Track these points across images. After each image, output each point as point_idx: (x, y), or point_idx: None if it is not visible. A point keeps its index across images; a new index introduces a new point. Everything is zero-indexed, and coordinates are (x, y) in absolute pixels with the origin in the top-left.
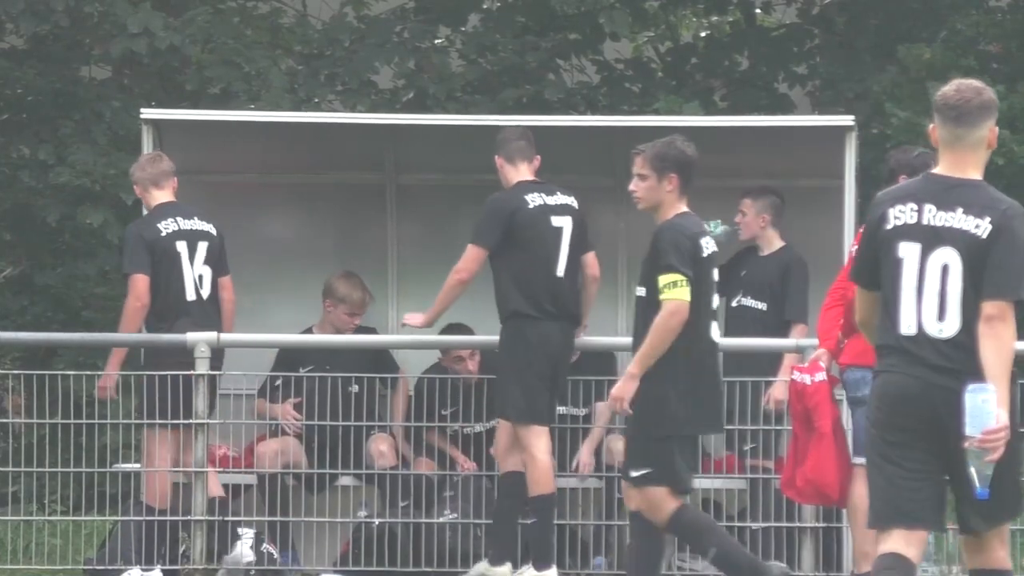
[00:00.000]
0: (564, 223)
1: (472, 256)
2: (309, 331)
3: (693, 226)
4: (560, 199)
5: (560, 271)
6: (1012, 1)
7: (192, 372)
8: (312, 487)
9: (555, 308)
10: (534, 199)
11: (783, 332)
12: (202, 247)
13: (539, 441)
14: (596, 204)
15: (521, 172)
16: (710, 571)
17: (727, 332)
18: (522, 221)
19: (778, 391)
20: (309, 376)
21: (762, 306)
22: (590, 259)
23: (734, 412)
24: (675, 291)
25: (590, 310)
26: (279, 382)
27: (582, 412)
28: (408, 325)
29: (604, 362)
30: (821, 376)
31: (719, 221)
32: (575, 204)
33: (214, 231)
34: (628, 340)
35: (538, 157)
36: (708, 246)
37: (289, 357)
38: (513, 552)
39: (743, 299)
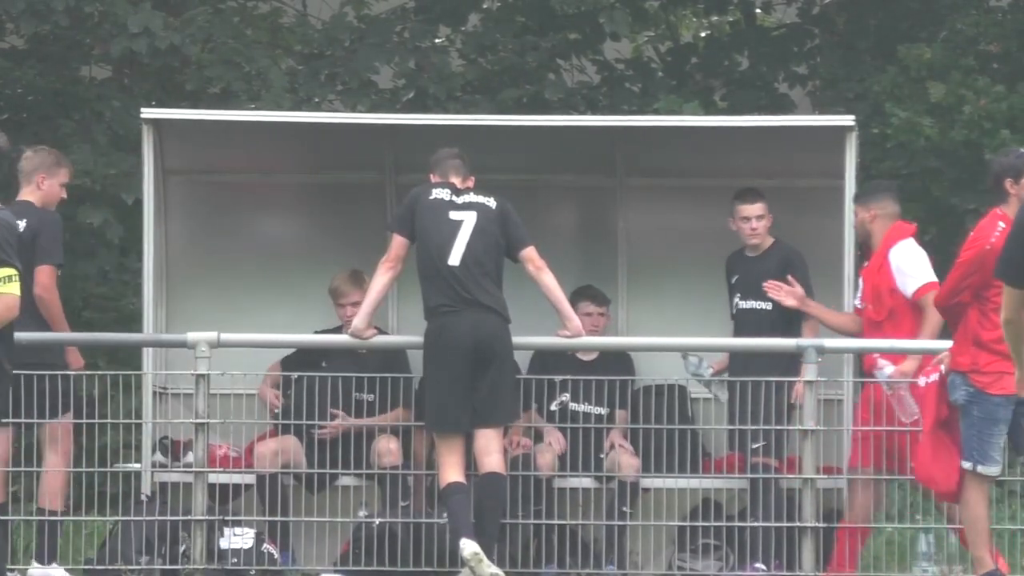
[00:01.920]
0: (465, 217)
1: (392, 244)
2: (338, 330)
3: (9, 217)
4: (468, 198)
5: (453, 260)
6: (1012, 1)
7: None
8: (312, 487)
9: (453, 299)
10: (438, 193)
11: (793, 326)
12: None
13: (449, 457)
14: (596, 204)
15: (455, 183)
16: (710, 571)
17: (735, 336)
18: (420, 209)
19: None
20: (310, 376)
21: (767, 306)
22: (526, 255)
23: (735, 412)
24: (9, 286)
25: (564, 303)
26: (294, 377)
27: (604, 411)
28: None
29: (622, 362)
30: (933, 377)
31: (700, 362)
32: (490, 203)
33: (20, 227)
34: (634, 340)
35: (472, 178)
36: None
37: (308, 353)
38: (491, 550)
39: (742, 302)
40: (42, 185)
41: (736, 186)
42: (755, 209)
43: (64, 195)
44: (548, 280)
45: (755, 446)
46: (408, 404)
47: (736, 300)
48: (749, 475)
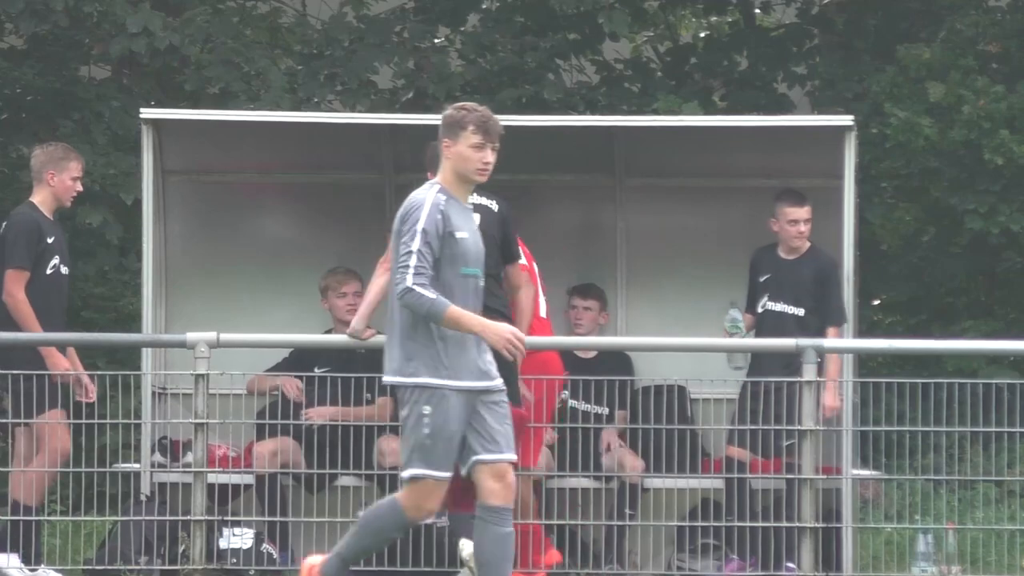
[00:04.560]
0: None
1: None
2: (329, 332)
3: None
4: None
5: None
6: (1011, 1)
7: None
8: (311, 487)
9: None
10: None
11: (823, 335)
12: None
13: None
14: (596, 204)
15: None
16: (710, 571)
17: (758, 335)
18: None
19: (829, 398)
20: (321, 377)
21: (800, 312)
22: (511, 270)
23: (758, 412)
24: None
25: (525, 320)
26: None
27: (604, 411)
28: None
29: (620, 362)
30: None
31: (737, 318)
32: (492, 206)
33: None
34: (634, 340)
35: None
36: None
37: (302, 356)
38: None
39: (772, 304)
40: (52, 182)
41: (735, 186)
42: (804, 212)
43: (78, 188)
44: (519, 299)
45: (788, 443)
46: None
47: (764, 300)
48: (747, 475)
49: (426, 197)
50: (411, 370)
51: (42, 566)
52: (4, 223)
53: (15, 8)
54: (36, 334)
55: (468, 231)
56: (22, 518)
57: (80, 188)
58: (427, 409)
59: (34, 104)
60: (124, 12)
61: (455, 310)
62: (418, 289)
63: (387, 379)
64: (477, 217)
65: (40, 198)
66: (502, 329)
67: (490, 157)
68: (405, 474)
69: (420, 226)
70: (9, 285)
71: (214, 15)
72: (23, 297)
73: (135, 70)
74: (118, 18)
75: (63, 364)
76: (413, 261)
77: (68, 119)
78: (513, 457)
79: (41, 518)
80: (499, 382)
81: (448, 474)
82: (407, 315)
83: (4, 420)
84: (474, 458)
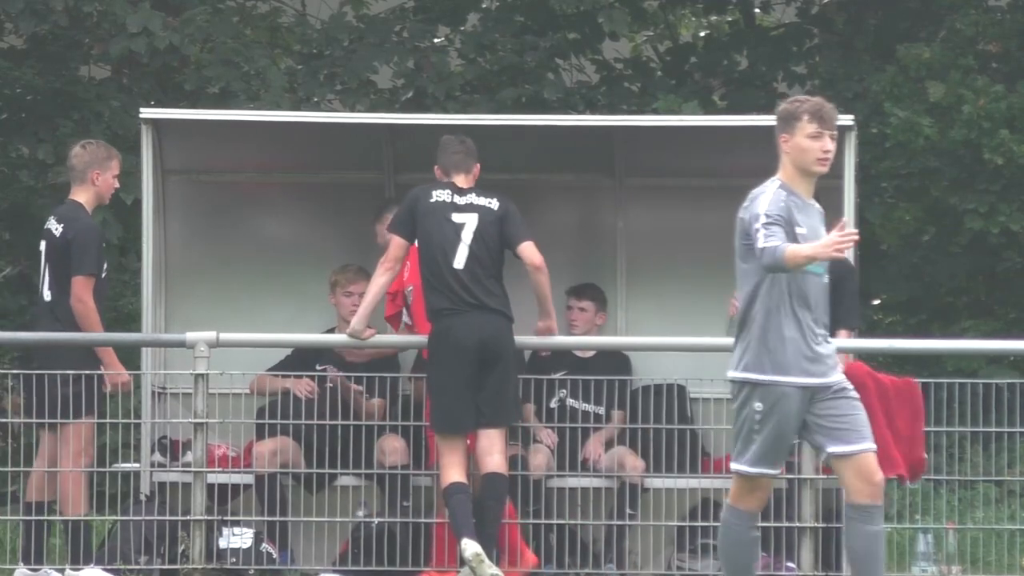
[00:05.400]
0: (467, 219)
1: (391, 245)
2: (331, 332)
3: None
4: (470, 199)
5: (458, 263)
6: (1011, 1)
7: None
8: (311, 487)
9: (456, 302)
10: (439, 195)
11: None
12: (43, 248)
13: (450, 457)
14: (595, 204)
15: (456, 182)
16: (709, 571)
17: None
18: (420, 211)
19: None
20: (321, 376)
21: None
22: (523, 250)
23: None
24: None
25: (548, 302)
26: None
27: (603, 411)
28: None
29: (618, 362)
30: None
31: None
32: (492, 205)
33: (58, 231)
34: (634, 340)
35: (477, 166)
36: None
37: (303, 355)
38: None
39: None
40: (96, 181)
41: (735, 186)
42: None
43: (117, 185)
44: (540, 280)
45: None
46: (388, 396)
47: None
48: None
49: (766, 190)
50: (742, 365)
51: (43, 567)
52: (61, 226)
53: (15, 8)
54: (37, 334)
55: (809, 227)
56: (20, 518)
57: (118, 185)
58: (759, 405)
59: (34, 104)
60: (124, 12)
61: (791, 248)
62: (767, 244)
63: (728, 374)
64: (821, 212)
65: (84, 198)
66: (825, 242)
67: (829, 145)
68: (733, 467)
69: (762, 210)
70: (81, 292)
71: (214, 15)
72: (94, 304)
73: (135, 70)
74: (118, 18)
75: (121, 369)
76: (761, 232)
77: (68, 119)
78: (874, 446)
79: (43, 518)
80: (838, 378)
81: (775, 471)
82: (739, 312)
83: (4, 420)
84: (828, 450)
